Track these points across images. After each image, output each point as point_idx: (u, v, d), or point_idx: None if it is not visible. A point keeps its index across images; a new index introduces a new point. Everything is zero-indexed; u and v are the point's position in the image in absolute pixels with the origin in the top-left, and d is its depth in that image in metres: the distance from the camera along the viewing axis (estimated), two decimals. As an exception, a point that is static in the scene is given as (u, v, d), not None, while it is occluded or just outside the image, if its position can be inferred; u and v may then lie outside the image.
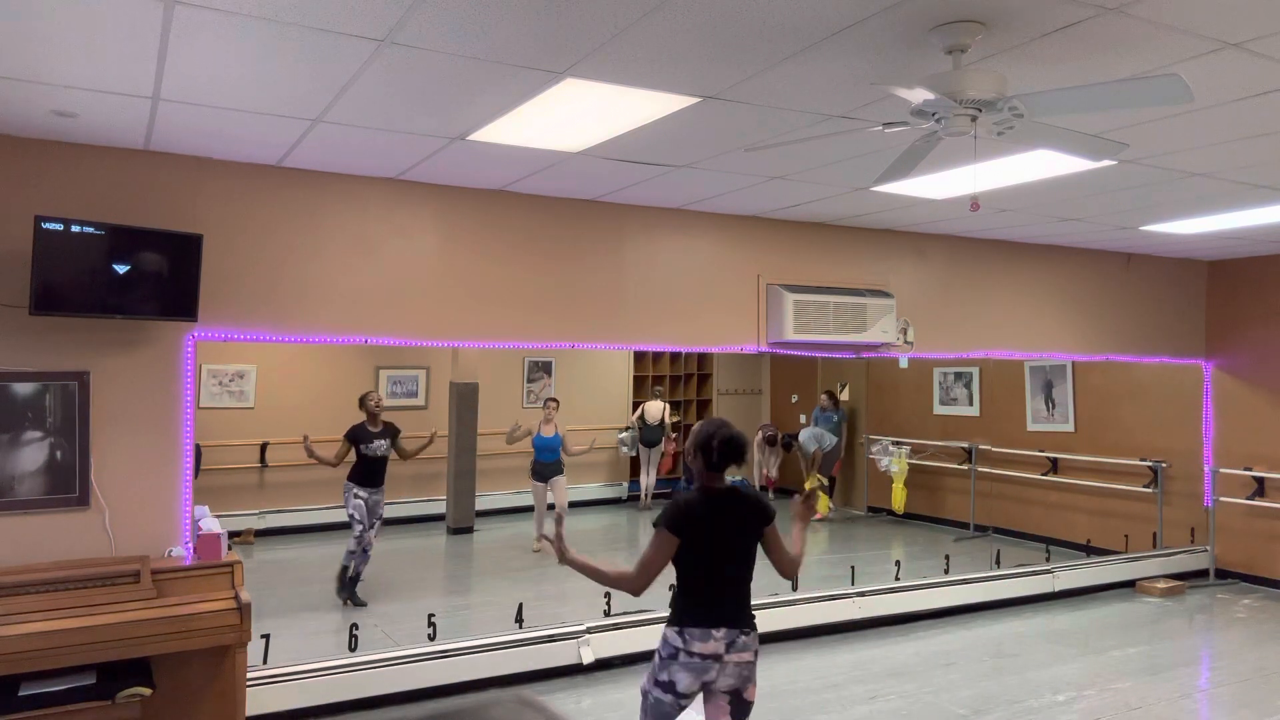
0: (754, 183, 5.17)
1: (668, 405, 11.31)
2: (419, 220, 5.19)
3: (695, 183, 5.16)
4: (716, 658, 3.11)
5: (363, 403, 7.03)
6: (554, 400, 8.79)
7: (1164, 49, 3.05)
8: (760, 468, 12.50)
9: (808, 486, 3.91)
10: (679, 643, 3.13)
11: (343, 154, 4.56)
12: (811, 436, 10.97)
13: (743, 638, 3.15)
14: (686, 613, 3.16)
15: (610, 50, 3.08)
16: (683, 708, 3.17)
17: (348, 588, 6.91)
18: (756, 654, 3.20)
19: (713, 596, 3.17)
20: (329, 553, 8.14)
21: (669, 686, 3.13)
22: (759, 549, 3.28)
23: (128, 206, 4.42)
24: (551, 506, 8.58)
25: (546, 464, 8.56)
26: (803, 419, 12.02)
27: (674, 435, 11.47)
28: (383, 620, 6.47)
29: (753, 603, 3.26)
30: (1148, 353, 8.04)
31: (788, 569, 3.31)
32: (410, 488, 10.17)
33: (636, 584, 3.14)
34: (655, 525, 3.19)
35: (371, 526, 6.94)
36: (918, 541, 9.70)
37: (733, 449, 3.20)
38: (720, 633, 3.12)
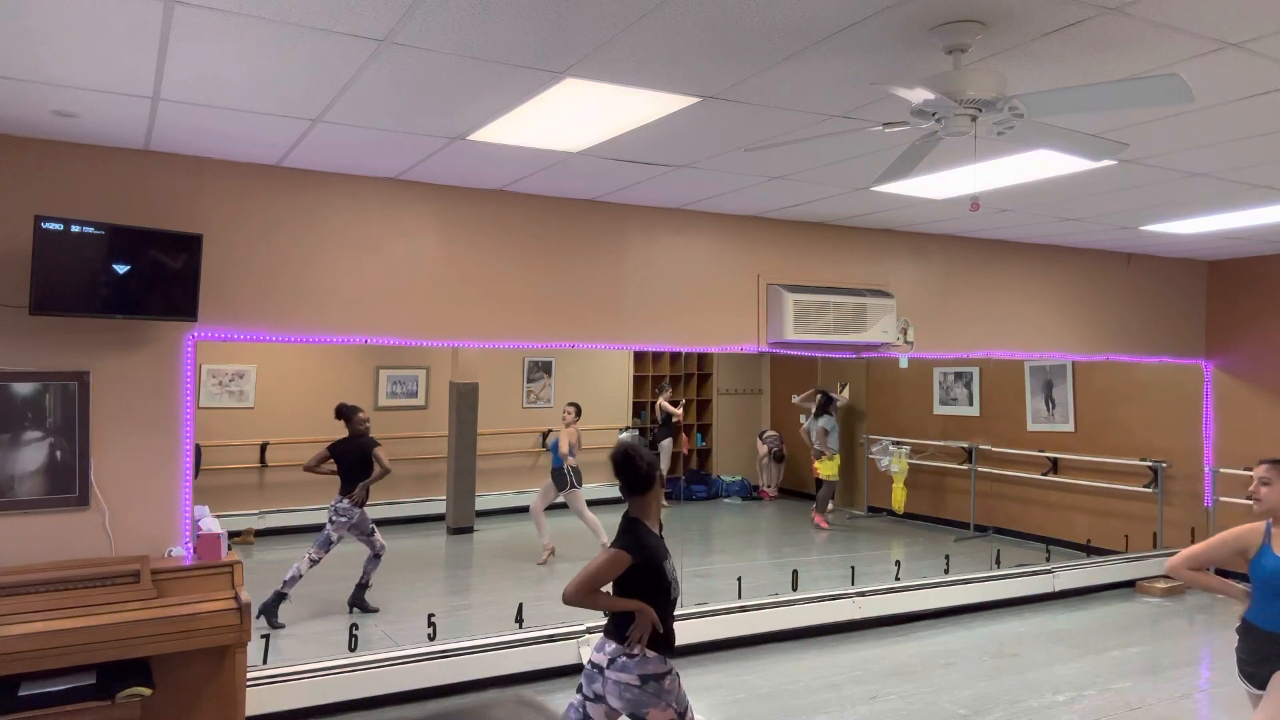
0: (754, 183, 5.17)
1: (667, 399, 11.37)
2: (419, 220, 5.18)
3: (695, 183, 5.16)
4: (600, 669, 3.16)
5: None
6: (570, 406, 8.49)
7: (1164, 49, 3.05)
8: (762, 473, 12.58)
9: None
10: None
11: (343, 154, 4.56)
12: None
13: (624, 658, 3.12)
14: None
15: (610, 50, 3.08)
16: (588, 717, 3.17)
17: (359, 596, 6.75)
18: (643, 679, 3.10)
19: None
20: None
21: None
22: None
23: (128, 206, 4.42)
24: (563, 506, 8.54)
25: (552, 469, 8.53)
26: (803, 419, 12.05)
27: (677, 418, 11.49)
28: (383, 620, 6.47)
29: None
30: (1148, 353, 8.04)
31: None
32: (410, 488, 10.16)
33: None
34: None
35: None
36: (918, 541, 9.70)
37: (619, 470, 3.24)
38: (610, 647, 3.18)
